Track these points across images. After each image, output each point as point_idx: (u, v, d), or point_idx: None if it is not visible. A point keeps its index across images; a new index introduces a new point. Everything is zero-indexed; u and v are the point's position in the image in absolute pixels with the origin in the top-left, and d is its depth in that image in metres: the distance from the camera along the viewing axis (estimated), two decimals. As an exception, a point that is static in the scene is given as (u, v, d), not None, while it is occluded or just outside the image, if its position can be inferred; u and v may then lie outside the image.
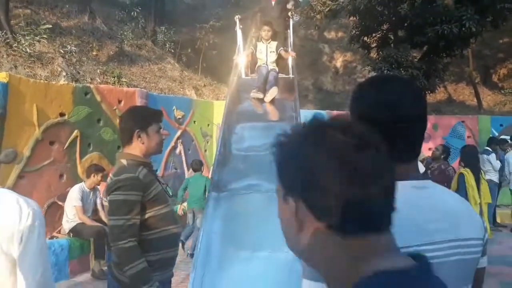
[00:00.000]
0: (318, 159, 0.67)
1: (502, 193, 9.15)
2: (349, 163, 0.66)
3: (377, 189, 0.69)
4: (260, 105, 5.45)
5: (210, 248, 3.29)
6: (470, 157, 5.42)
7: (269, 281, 2.87)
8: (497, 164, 7.76)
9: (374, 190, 0.68)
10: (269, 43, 5.89)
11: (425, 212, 1.00)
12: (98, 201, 5.75)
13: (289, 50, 6.25)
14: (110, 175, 2.27)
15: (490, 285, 4.98)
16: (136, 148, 2.26)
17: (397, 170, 1.02)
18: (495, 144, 8.10)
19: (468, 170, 5.28)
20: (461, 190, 5.25)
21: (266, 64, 5.74)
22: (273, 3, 6.73)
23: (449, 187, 5.26)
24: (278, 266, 2.97)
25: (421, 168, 2.73)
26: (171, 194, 2.50)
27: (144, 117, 2.31)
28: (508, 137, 9.12)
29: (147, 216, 2.15)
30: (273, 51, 5.84)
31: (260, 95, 5.39)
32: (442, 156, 6.48)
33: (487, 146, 8.04)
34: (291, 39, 6.66)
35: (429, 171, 6.09)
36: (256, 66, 5.90)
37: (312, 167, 0.68)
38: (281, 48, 5.91)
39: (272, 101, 5.44)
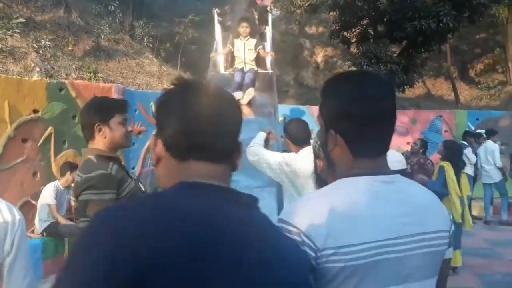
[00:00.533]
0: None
1: (477, 186, 9.35)
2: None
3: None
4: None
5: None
6: (454, 152, 5.47)
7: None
8: (473, 158, 7.90)
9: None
10: (247, 40, 5.77)
11: (393, 206, 1.01)
12: (72, 200, 5.64)
13: (268, 46, 6.19)
14: (78, 172, 2.11)
15: (465, 277, 5.08)
16: (100, 142, 2.13)
17: (367, 165, 1.04)
18: (470, 137, 8.23)
19: (448, 163, 5.34)
20: (439, 182, 5.30)
21: (244, 63, 5.64)
22: None
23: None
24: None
25: (403, 162, 2.74)
26: (144, 190, 2.38)
27: (104, 109, 2.16)
28: (483, 131, 9.30)
29: None
30: (251, 49, 5.73)
31: (238, 96, 5.36)
32: (421, 150, 6.58)
33: (462, 140, 8.17)
34: (270, 34, 6.60)
35: (408, 166, 6.14)
36: (233, 67, 5.81)
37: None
38: (260, 46, 5.83)
39: (249, 103, 5.39)
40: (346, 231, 0.95)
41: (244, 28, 5.72)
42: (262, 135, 3.12)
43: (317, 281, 0.95)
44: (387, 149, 1.09)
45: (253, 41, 5.77)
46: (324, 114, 1.10)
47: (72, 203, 2.27)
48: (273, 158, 2.86)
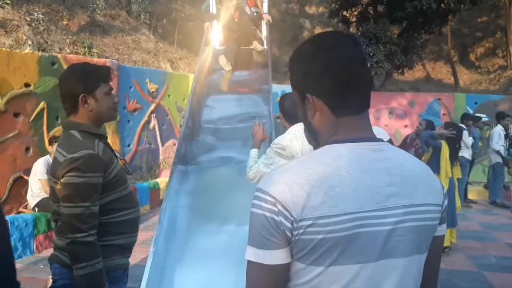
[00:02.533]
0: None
1: (475, 170, 9.35)
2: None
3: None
4: (232, 76, 5.30)
5: (175, 222, 3.19)
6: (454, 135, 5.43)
7: (235, 254, 2.80)
8: (469, 141, 7.84)
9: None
10: None
11: (380, 175, 0.93)
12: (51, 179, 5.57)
13: (265, 12, 6.04)
14: (59, 149, 1.85)
15: (459, 259, 5.09)
16: (84, 116, 1.90)
17: (351, 127, 0.98)
18: (468, 120, 8.18)
19: (445, 143, 5.30)
20: (434, 158, 5.26)
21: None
22: None
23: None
24: (244, 239, 2.90)
25: (385, 135, 2.67)
26: (130, 172, 2.24)
27: (89, 77, 1.91)
28: (484, 115, 9.23)
29: (107, 200, 1.84)
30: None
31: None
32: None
33: (461, 123, 8.10)
34: (266, 3, 6.43)
35: (413, 149, 6.04)
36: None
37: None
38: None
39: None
40: (326, 201, 0.88)
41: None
42: (254, 153, 2.94)
43: (296, 253, 0.89)
44: (368, 104, 1.02)
45: None
46: (297, 81, 1.04)
47: (50, 182, 1.94)
48: (268, 161, 2.75)
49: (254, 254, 0.91)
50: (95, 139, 1.88)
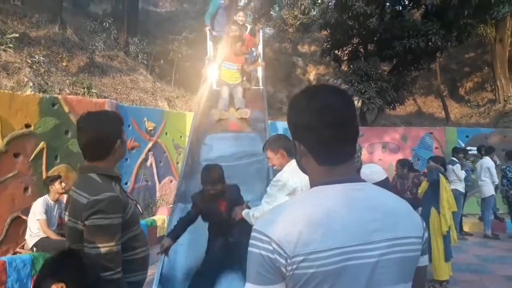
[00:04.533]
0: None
1: (469, 203, 9.43)
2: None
3: None
4: (229, 116, 5.46)
5: (175, 262, 3.24)
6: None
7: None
8: (462, 174, 7.97)
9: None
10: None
11: (364, 212, 1.04)
12: (63, 214, 5.59)
13: (259, 60, 6.29)
14: (80, 192, 1.90)
15: (456, 293, 5.10)
16: (112, 160, 1.99)
17: (335, 172, 1.09)
18: (458, 153, 8.32)
19: (442, 175, 5.39)
20: (433, 195, 5.29)
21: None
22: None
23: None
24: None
25: (381, 173, 2.77)
26: (141, 211, 2.33)
27: (119, 123, 2.02)
28: (474, 148, 9.41)
29: (124, 238, 1.92)
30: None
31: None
32: (406, 171, 6.34)
33: (452, 156, 8.27)
34: (261, 49, 6.71)
35: (408, 193, 6.04)
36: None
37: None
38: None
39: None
40: (315, 238, 0.98)
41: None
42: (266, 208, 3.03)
43: (291, 287, 0.99)
44: (351, 156, 1.12)
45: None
46: (289, 127, 1.16)
47: (68, 222, 1.97)
48: (270, 199, 2.82)
49: None
50: (112, 181, 1.95)
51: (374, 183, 2.43)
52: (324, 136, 1.08)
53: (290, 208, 1.06)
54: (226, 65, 5.87)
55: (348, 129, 1.11)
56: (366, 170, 2.61)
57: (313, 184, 1.12)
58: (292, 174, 2.75)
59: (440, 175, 5.36)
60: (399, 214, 1.09)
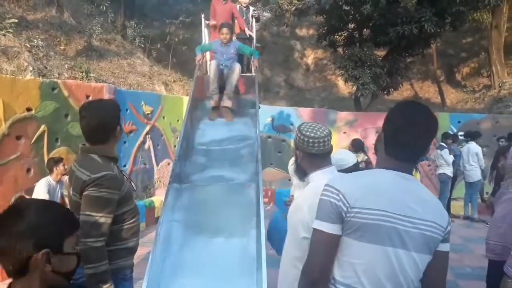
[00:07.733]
0: None
1: (459, 187, 9.68)
2: None
3: None
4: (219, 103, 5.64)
5: (170, 235, 3.50)
6: None
7: (224, 264, 3.12)
8: (450, 159, 8.22)
9: None
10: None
11: (405, 194, 1.47)
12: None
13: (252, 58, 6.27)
14: (81, 169, 2.18)
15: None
16: (112, 144, 2.28)
17: (394, 163, 1.53)
18: (447, 139, 8.55)
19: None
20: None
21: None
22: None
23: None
24: (232, 252, 3.24)
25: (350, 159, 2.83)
26: (135, 189, 2.62)
27: (117, 110, 2.31)
28: (462, 133, 9.64)
29: (121, 211, 2.21)
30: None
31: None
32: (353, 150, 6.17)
33: (441, 141, 8.50)
34: (254, 41, 6.85)
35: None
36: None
37: None
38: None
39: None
40: (370, 199, 1.45)
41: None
42: None
43: (345, 230, 1.46)
44: (413, 159, 1.56)
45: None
46: (385, 120, 1.60)
47: (71, 196, 2.23)
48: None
49: (318, 224, 1.47)
50: (111, 162, 2.25)
51: (345, 169, 2.67)
52: (399, 137, 1.51)
53: (357, 177, 1.57)
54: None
55: (421, 138, 1.52)
56: (337, 156, 2.76)
57: (377, 166, 1.62)
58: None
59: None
60: (430, 204, 1.51)
